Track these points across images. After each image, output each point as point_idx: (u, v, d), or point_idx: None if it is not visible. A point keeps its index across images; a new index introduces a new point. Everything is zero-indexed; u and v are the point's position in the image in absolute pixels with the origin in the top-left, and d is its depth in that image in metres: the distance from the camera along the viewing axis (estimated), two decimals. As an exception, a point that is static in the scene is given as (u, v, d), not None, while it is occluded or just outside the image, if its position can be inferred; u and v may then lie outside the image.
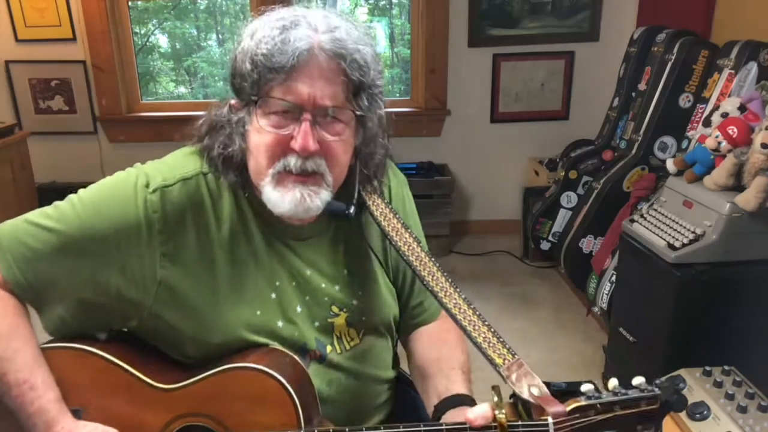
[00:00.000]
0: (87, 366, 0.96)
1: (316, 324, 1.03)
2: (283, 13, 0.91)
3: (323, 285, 1.04)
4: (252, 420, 0.91)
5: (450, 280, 0.97)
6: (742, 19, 2.67)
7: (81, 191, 0.97)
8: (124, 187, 0.94)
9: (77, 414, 0.94)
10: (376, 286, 1.08)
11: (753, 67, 2.23)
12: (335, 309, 1.05)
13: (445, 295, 0.95)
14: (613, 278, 2.54)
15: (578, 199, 3.17)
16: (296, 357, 0.99)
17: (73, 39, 3.70)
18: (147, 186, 0.94)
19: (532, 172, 3.80)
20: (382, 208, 1.03)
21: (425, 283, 0.97)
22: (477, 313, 0.94)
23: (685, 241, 1.91)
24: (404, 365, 1.20)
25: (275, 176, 0.91)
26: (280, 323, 1.00)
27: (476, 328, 0.93)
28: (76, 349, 0.96)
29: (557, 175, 3.31)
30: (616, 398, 0.84)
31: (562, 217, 3.22)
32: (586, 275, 2.86)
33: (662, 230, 2.03)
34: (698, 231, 1.91)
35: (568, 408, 0.84)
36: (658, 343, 1.94)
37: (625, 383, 0.87)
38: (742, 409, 1.10)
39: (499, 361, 0.90)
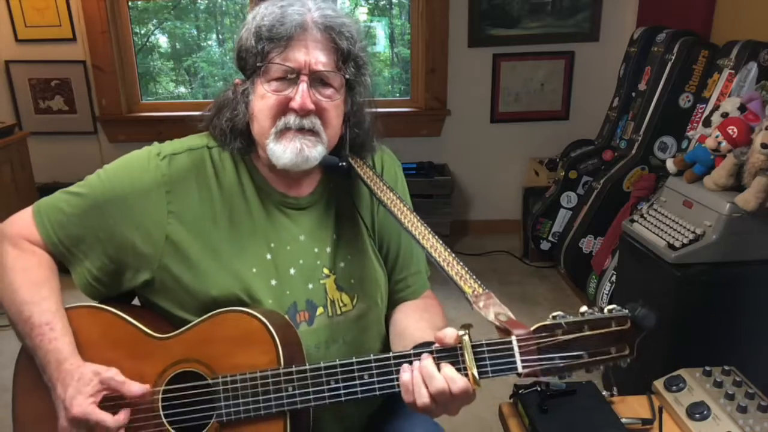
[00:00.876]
0: (98, 321, 1.06)
1: (310, 286, 1.11)
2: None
3: (316, 249, 1.12)
4: (236, 361, 0.98)
5: (429, 228, 1.04)
6: (742, 19, 2.67)
7: (106, 165, 1.11)
8: (140, 157, 1.09)
9: None
10: (364, 251, 1.16)
11: (753, 67, 2.23)
12: (326, 270, 1.12)
13: (423, 239, 1.02)
14: (613, 278, 2.54)
15: (578, 199, 3.17)
16: (286, 316, 1.07)
17: (73, 39, 3.70)
18: (158, 155, 1.08)
19: (532, 172, 3.81)
20: (369, 174, 1.14)
21: (406, 228, 1.05)
22: (453, 255, 1.00)
23: (685, 241, 1.91)
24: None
25: (277, 133, 1.04)
26: (273, 282, 1.08)
27: (449, 264, 0.99)
28: (92, 306, 1.08)
29: (557, 175, 3.31)
30: (584, 318, 0.85)
31: (562, 217, 3.22)
32: (586, 275, 2.86)
33: (662, 230, 2.03)
34: (698, 231, 1.91)
35: (533, 327, 0.86)
36: (658, 343, 1.94)
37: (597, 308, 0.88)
38: (742, 409, 1.10)
39: (468, 291, 0.95)
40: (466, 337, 0.87)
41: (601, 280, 2.67)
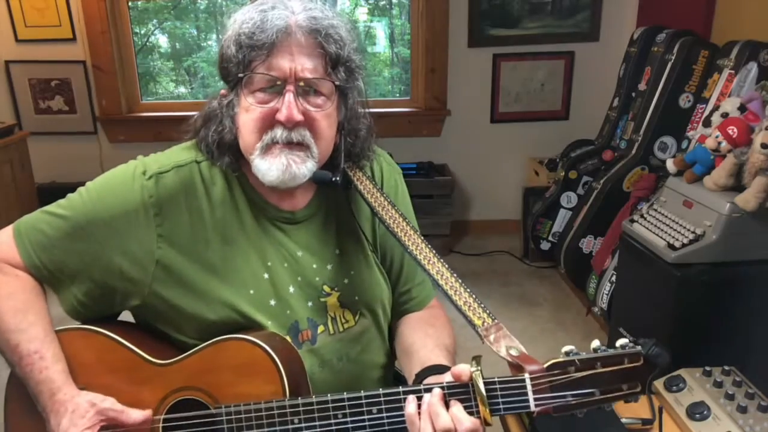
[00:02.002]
0: (93, 345, 1.01)
1: (310, 304, 1.06)
2: (263, 1, 0.97)
3: (314, 266, 1.07)
4: (239, 390, 0.95)
5: (434, 251, 1.01)
6: (742, 19, 2.67)
7: (89, 183, 1.05)
8: (124, 176, 1.02)
9: None
10: (367, 265, 1.12)
11: (753, 67, 2.23)
12: (327, 288, 1.08)
13: (428, 263, 0.99)
14: (613, 278, 2.54)
15: (578, 199, 3.17)
16: (287, 338, 1.03)
17: (73, 39, 3.70)
18: (144, 173, 1.01)
19: (532, 172, 3.80)
20: (368, 187, 1.08)
21: (409, 251, 1.00)
22: (459, 280, 0.97)
23: (685, 241, 1.91)
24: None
25: (263, 148, 0.97)
26: (272, 302, 1.03)
27: (457, 293, 0.96)
28: (84, 329, 1.03)
29: (557, 175, 3.31)
30: (596, 355, 0.84)
31: (562, 217, 3.22)
32: (586, 275, 2.86)
33: (662, 230, 2.02)
34: (698, 231, 1.91)
35: (546, 364, 0.83)
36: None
37: (609, 345, 0.86)
38: (742, 409, 1.10)
39: (478, 322, 0.92)
40: (478, 373, 0.84)
41: (601, 280, 2.67)
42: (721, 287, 1.90)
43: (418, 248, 1.01)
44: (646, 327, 2.10)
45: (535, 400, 0.83)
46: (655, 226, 2.07)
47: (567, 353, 0.84)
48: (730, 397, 1.13)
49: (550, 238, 3.29)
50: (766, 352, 1.88)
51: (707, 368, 1.22)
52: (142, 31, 4.13)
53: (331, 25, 0.96)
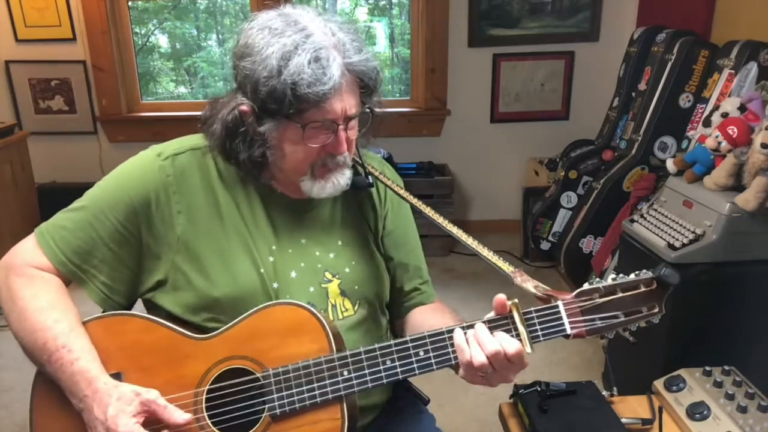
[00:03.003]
0: (127, 329, 1.03)
1: (311, 289, 1.10)
2: (295, 37, 0.96)
3: (317, 253, 1.12)
4: (286, 352, 0.98)
5: (448, 221, 1.11)
6: (742, 19, 2.67)
7: (104, 176, 1.09)
8: (141, 160, 1.08)
9: (117, 377, 0.99)
10: (369, 257, 1.16)
11: (753, 67, 2.23)
12: (328, 275, 1.11)
13: (449, 226, 1.10)
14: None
15: (578, 199, 3.17)
16: None
17: (73, 39, 3.70)
18: (159, 155, 1.07)
19: (532, 172, 3.81)
20: (377, 173, 1.17)
21: (431, 218, 1.11)
22: (476, 240, 1.08)
23: (685, 241, 1.91)
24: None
25: (312, 173, 1.04)
26: (275, 285, 1.07)
27: (481, 248, 1.07)
28: (119, 314, 1.05)
29: (557, 175, 3.31)
30: (616, 282, 0.95)
31: (562, 217, 3.22)
32: (586, 275, 2.86)
33: (662, 230, 2.02)
34: (698, 231, 1.91)
35: (574, 293, 0.94)
36: (658, 343, 1.94)
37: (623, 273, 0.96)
38: (742, 409, 1.10)
39: (506, 268, 1.03)
40: (516, 302, 0.93)
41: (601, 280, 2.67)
42: (721, 287, 1.90)
43: (438, 218, 1.11)
44: (646, 327, 2.10)
45: (570, 323, 0.93)
46: (655, 226, 2.07)
47: (590, 282, 0.95)
48: (730, 397, 1.13)
49: (550, 238, 3.29)
50: (766, 352, 1.88)
51: (707, 368, 1.23)
52: (142, 31, 4.13)
53: (368, 59, 1.01)
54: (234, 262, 1.05)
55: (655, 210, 2.15)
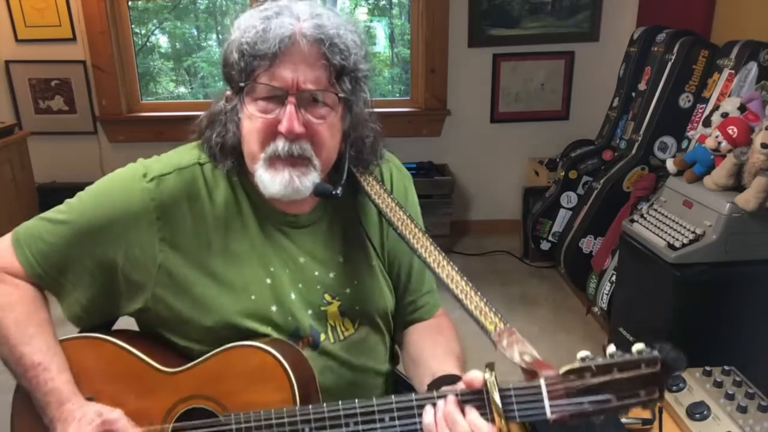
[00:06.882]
0: (100, 353, 1.00)
1: (310, 312, 1.05)
2: (268, 5, 0.95)
3: (316, 273, 1.06)
4: (249, 398, 0.93)
5: (443, 254, 0.98)
6: (742, 19, 2.67)
7: (88, 187, 1.03)
8: (124, 179, 1.01)
9: (90, 401, 0.98)
10: (372, 274, 1.10)
11: (753, 67, 2.23)
12: (328, 297, 1.06)
13: (438, 267, 0.97)
14: (613, 278, 2.54)
15: (578, 199, 3.17)
16: (292, 343, 1.02)
17: (73, 39, 3.70)
18: (145, 176, 0.99)
19: (532, 172, 3.80)
20: (376, 189, 1.06)
21: (418, 254, 0.98)
22: (469, 284, 0.95)
23: (685, 241, 1.91)
24: (400, 368, 1.20)
25: (267, 160, 0.96)
26: (273, 308, 1.02)
27: (468, 297, 0.94)
28: (91, 337, 1.02)
29: (557, 175, 3.31)
30: (613, 360, 0.80)
31: (562, 217, 3.22)
32: (586, 275, 2.86)
33: (662, 230, 2.02)
34: (698, 231, 1.91)
35: (562, 371, 0.80)
36: (658, 343, 1.94)
37: (624, 349, 0.82)
38: (742, 409, 1.10)
39: (490, 328, 0.90)
40: (492, 380, 0.81)
41: (601, 280, 2.67)
42: (721, 287, 1.90)
43: (428, 251, 0.98)
44: (646, 327, 2.10)
45: (551, 407, 0.79)
46: (655, 226, 2.07)
47: (583, 359, 0.80)
48: (730, 397, 1.13)
49: (550, 238, 3.29)
50: (766, 352, 1.88)
51: (707, 368, 1.22)
52: (142, 31, 4.13)
53: (337, 34, 0.92)
54: (227, 288, 1.00)
55: (655, 210, 2.15)
